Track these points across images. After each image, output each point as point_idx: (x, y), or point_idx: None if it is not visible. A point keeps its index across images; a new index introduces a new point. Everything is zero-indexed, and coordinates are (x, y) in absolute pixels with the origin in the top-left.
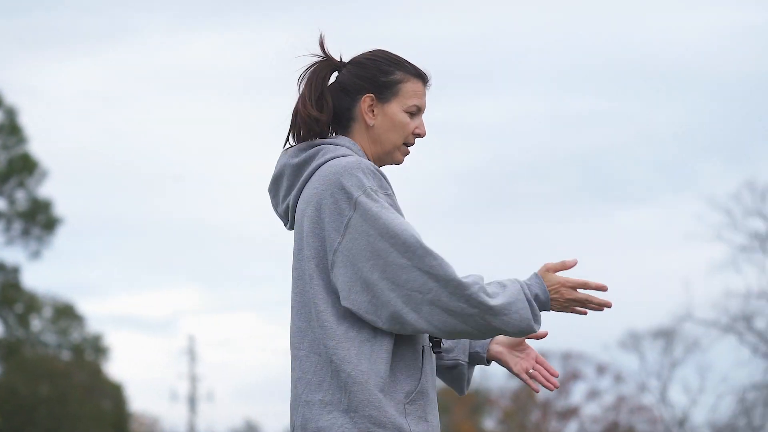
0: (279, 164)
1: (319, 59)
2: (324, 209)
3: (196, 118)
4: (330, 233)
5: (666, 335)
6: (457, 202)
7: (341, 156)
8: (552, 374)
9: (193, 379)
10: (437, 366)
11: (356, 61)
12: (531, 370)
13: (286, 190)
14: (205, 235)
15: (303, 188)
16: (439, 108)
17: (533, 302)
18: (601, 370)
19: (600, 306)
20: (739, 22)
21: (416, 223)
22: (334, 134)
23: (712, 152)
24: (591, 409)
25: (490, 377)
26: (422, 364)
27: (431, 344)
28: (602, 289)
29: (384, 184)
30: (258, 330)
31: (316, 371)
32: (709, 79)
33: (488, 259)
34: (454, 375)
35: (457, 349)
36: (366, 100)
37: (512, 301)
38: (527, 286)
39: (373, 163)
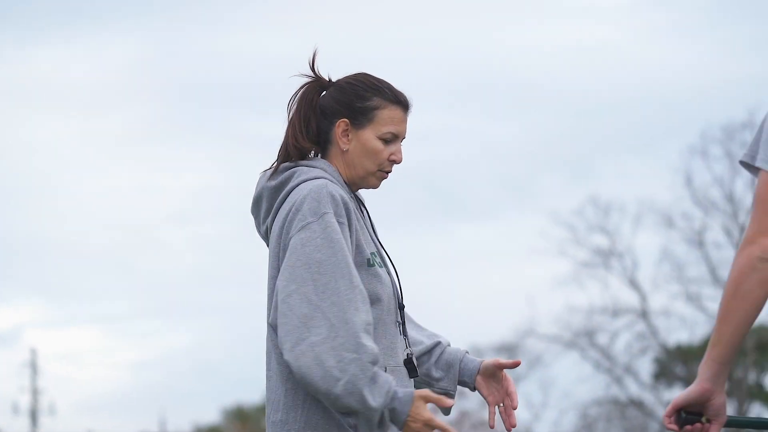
0: (258, 187)
1: (309, 80)
2: (284, 230)
3: (39, 131)
4: (281, 252)
5: (509, 350)
6: None
7: (312, 179)
8: (513, 407)
9: (35, 393)
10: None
11: (338, 84)
12: (501, 405)
13: (265, 212)
14: (49, 248)
15: (279, 210)
16: (272, 126)
17: (386, 414)
18: None
19: None
20: (583, 40)
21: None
22: (312, 155)
23: (556, 168)
24: None
25: None
26: None
27: (408, 367)
28: None
29: (340, 211)
30: (100, 344)
31: (276, 391)
32: (553, 95)
33: None
34: None
35: (447, 378)
36: (341, 125)
37: (372, 404)
38: (392, 396)
39: (338, 189)
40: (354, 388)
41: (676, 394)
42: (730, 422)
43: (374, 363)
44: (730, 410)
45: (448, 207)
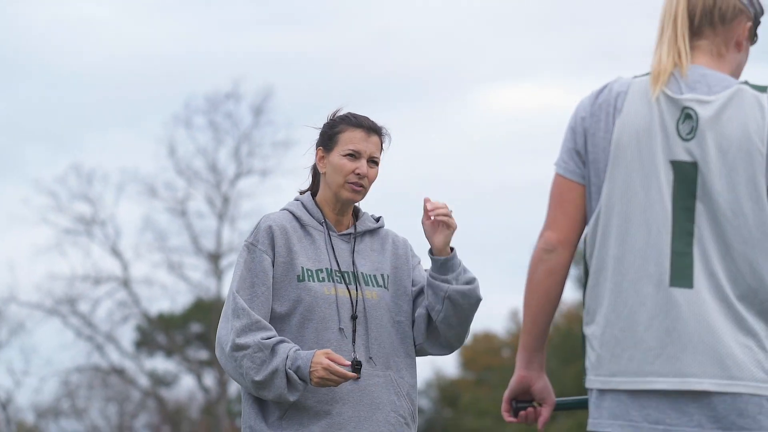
0: None
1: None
2: None
3: None
4: None
5: None
6: None
7: (278, 211)
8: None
9: None
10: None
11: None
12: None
13: None
14: None
15: None
16: None
17: (293, 375)
18: None
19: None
20: (69, 13)
21: None
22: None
23: (40, 139)
24: None
25: None
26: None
27: (353, 369)
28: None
29: (261, 239)
30: None
31: None
32: (37, 68)
33: None
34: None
35: (435, 297)
36: (318, 153)
37: (270, 379)
38: (293, 360)
39: (280, 219)
40: (268, 385)
41: (158, 361)
42: (559, 405)
43: (246, 345)
44: (213, 380)
45: None
